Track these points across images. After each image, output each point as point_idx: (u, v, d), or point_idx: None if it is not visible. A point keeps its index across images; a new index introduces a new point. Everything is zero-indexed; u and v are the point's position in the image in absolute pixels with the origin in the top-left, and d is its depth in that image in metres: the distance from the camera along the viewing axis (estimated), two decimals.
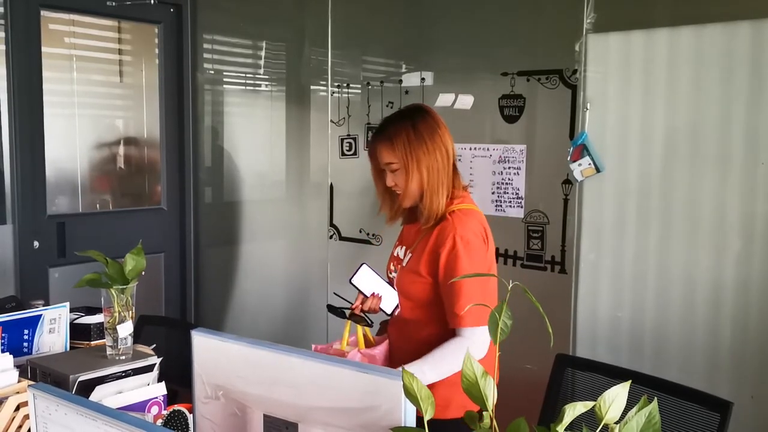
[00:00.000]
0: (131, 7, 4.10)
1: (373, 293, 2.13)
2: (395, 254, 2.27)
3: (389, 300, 2.14)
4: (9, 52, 3.68)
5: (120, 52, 4.47)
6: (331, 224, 3.85)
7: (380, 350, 2.13)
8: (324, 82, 3.84)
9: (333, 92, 3.77)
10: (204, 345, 1.62)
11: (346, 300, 2.19)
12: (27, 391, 1.48)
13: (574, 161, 2.86)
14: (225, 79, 4.53)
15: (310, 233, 3.99)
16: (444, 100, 3.33)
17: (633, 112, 2.79)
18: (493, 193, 3.17)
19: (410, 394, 1.18)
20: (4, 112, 3.76)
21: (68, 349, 2.13)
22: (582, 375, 2.24)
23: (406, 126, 2.13)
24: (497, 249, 3.20)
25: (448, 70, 3.37)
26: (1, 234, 3.77)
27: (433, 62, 3.42)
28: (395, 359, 2.12)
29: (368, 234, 3.70)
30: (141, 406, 1.74)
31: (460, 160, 3.26)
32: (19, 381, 1.56)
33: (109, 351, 1.87)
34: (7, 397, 1.48)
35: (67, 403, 1.15)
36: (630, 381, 1.12)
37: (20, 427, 1.45)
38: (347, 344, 2.14)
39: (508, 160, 3.11)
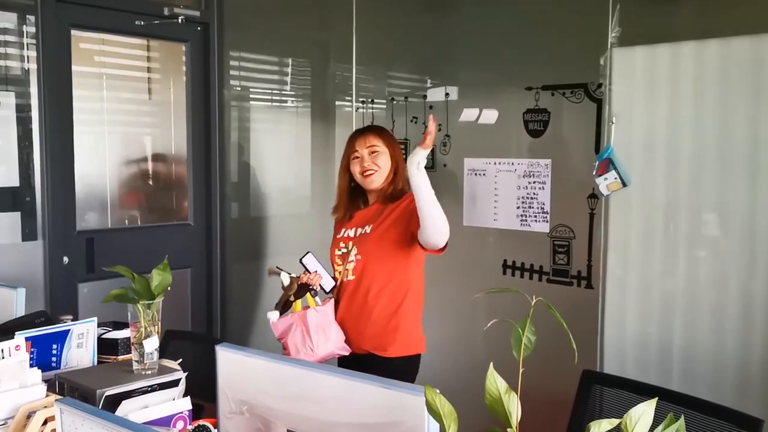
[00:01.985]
0: (159, 26, 4.16)
1: (316, 271, 2.74)
2: (344, 236, 2.76)
3: (327, 282, 2.75)
4: (40, 71, 3.76)
5: (148, 70, 4.54)
6: None
7: (329, 307, 2.70)
8: (349, 98, 3.86)
9: (358, 108, 3.79)
10: (229, 360, 1.63)
11: (287, 272, 2.78)
12: (54, 406, 1.50)
13: (600, 175, 2.84)
14: (251, 96, 4.57)
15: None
16: (468, 114, 3.33)
17: (659, 125, 2.76)
18: (518, 207, 3.16)
19: (433, 411, 1.18)
20: (36, 129, 3.83)
21: (96, 363, 2.15)
22: (609, 392, 2.21)
23: (384, 128, 2.82)
24: (522, 263, 3.19)
25: (472, 84, 3.37)
26: (31, 250, 3.83)
27: (457, 77, 3.43)
28: (347, 319, 2.66)
29: None
30: (166, 421, 1.74)
31: (484, 174, 3.27)
32: (47, 395, 1.58)
33: (135, 366, 1.88)
34: (35, 412, 1.49)
35: (93, 418, 1.16)
36: (656, 398, 1.10)
37: None
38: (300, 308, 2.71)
39: (533, 175, 3.10)
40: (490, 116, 3.27)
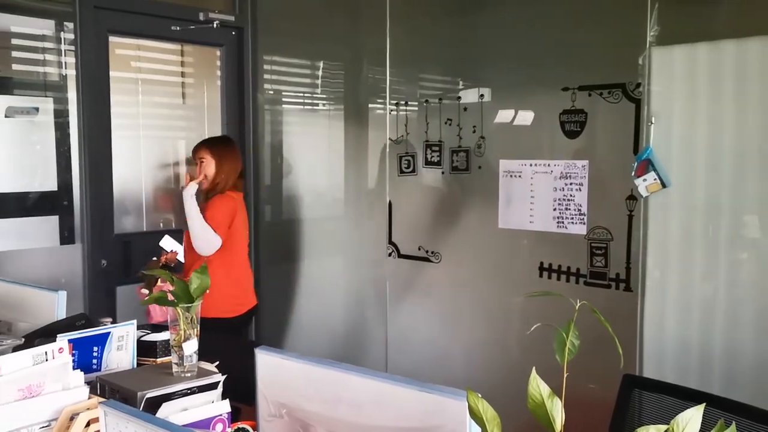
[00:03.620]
0: (194, 31, 4.20)
1: (172, 250, 3.53)
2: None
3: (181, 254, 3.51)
4: (78, 77, 3.82)
5: (182, 74, 4.59)
6: (390, 242, 3.85)
7: None
8: (382, 101, 3.86)
9: (391, 110, 3.79)
10: (268, 363, 1.63)
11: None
12: (97, 408, 1.51)
13: (639, 176, 2.80)
14: (284, 99, 4.60)
15: (368, 251, 4.00)
16: (503, 116, 3.31)
17: (700, 125, 2.71)
18: (554, 209, 3.12)
19: (475, 415, 1.16)
20: (74, 134, 3.89)
21: (135, 366, 2.17)
22: (650, 396, 2.17)
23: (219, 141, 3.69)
24: (559, 266, 3.16)
25: (507, 86, 3.35)
26: (71, 253, 3.89)
27: (491, 78, 3.41)
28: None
29: (427, 251, 3.68)
30: (206, 424, 1.75)
31: (520, 176, 3.24)
32: (89, 397, 1.60)
33: (175, 368, 1.89)
34: (78, 413, 1.51)
35: (137, 420, 1.17)
36: (704, 404, 1.08)
37: None
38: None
39: (570, 176, 3.07)
40: (525, 117, 3.25)
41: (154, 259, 3.48)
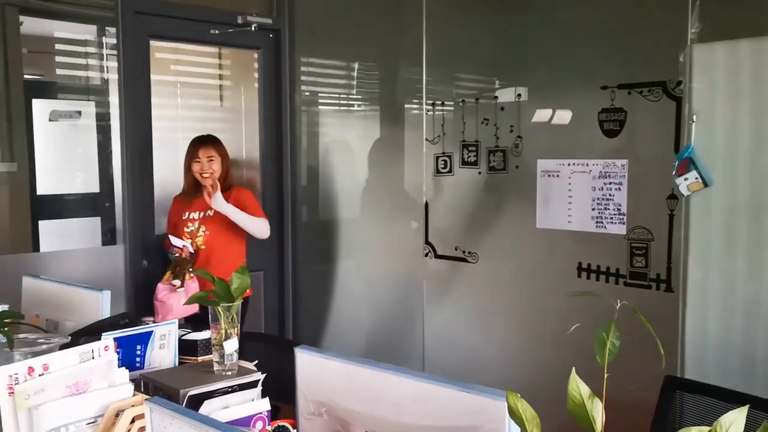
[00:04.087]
0: (232, 35, 4.25)
1: (183, 246, 3.63)
2: (188, 217, 3.76)
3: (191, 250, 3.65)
4: (120, 81, 3.89)
5: (220, 77, 4.65)
6: (427, 242, 3.85)
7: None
8: (418, 101, 3.87)
9: (427, 110, 3.79)
10: (307, 362, 1.65)
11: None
12: (142, 405, 1.54)
13: (680, 175, 2.76)
14: (321, 100, 4.62)
15: (405, 251, 4.00)
16: (541, 115, 3.29)
17: (742, 123, 2.66)
18: (593, 209, 3.09)
19: (515, 415, 1.16)
20: (116, 137, 3.97)
21: (177, 364, 2.20)
22: (692, 398, 2.15)
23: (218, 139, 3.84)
24: (597, 266, 3.13)
25: (545, 84, 3.33)
26: (114, 254, 3.96)
27: (528, 77, 3.39)
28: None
29: (464, 251, 3.68)
30: (246, 422, 1.78)
31: (557, 176, 3.22)
32: (133, 395, 1.63)
33: (216, 367, 1.92)
34: (123, 410, 1.54)
35: (181, 417, 1.19)
36: (747, 405, 1.06)
37: None
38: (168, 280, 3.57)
39: (609, 176, 3.04)
40: (563, 117, 3.22)
41: (176, 255, 3.62)
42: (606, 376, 1.16)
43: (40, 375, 1.50)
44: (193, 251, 3.66)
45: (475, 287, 3.65)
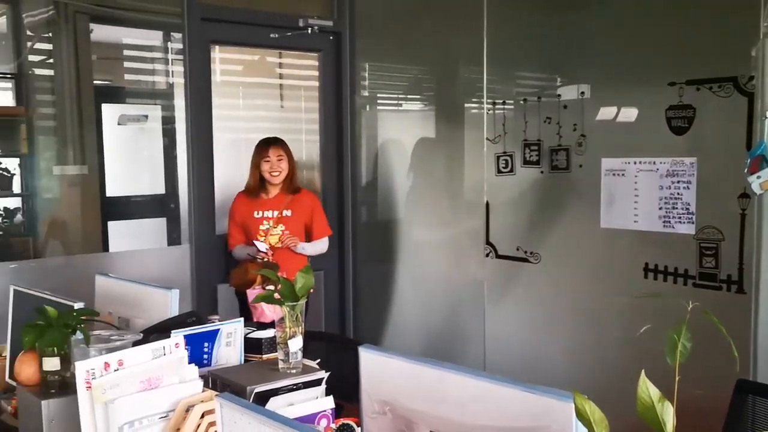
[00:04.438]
0: (293, 38, 4.31)
1: (267, 249, 3.76)
2: (262, 216, 3.87)
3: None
4: (187, 86, 3.98)
5: (280, 76, 4.71)
6: (488, 242, 3.83)
7: None
8: (476, 100, 3.85)
9: (488, 109, 3.76)
10: (371, 361, 1.66)
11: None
12: (211, 401, 1.58)
13: (752, 173, 2.67)
14: (380, 101, 4.64)
15: (465, 251, 3.99)
16: (605, 113, 3.23)
17: None
18: (660, 208, 3.02)
19: (582, 417, 1.15)
20: (181, 140, 4.06)
21: (242, 361, 2.24)
22: (764, 402, 2.08)
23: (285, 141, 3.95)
24: (665, 267, 3.06)
25: (609, 81, 3.27)
26: (178, 254, 4.06)
27: (592, 74, 3.33)
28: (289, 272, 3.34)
29: (526, 252, 3.64)
30: (311, 419, 1.80)
31: (623, 174, 3.16)
32: (202, 391, 1.67)
33: (281, 365, 1.95)
34: (193, 405, 1.58)
35: (251, 413, 1.22)
36: None
37: None
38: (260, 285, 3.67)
39: (677, 174, 2.96)
40: (629, 114, 3.16)
41: (263, 260, 3.73)
42: (677, 378, 1.14)
43: (115, 370, 1.55)
44: (270, 252, 3.78)
45: (538, 288, 3.61)
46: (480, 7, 3.71)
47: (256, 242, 3.78)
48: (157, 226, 4.44)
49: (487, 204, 3.81)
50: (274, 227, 3.84)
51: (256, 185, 3.89)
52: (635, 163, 3.11)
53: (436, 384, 1.51)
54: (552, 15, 3.55)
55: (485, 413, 1.42)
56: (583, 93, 3.33)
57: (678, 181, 2.96)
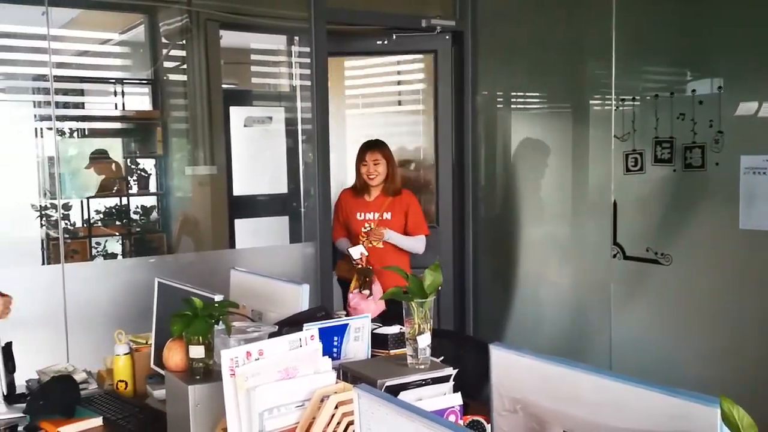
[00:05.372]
0: (409, 40, 4.35)
1: (361, 253, 3.84)
2: (364, 218, 3.99)
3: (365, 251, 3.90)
4: (314, 89, 4.09)
5: (398, 73, 4.76)
6: (615, 242, 3.72)
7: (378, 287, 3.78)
8: (602, 97, 3.76)
9: (617, 106, 3.66)
10: (502, 359, 1.66)
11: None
12: (345, 392, 1.63)
13: None
14: (500, 99, 4.61)
15: (590, 252, 3.89)
16: (745, 108, 3.07)
17: None
18: None
19: (731, 423, 1.11)
20: (303, 141, 4.19)
21: (369, 356, 2.29)
22: None
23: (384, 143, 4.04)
24: None
25: (748, 75, 3.11)
26: (300, 251, 4.19)
27: (729, 68, 3.18)
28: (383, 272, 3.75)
29: (656, 253, 3.51)
30: (439, 415, 1.81)
31: (764, 173, 2.99)
32: (336, 382, 1.73)
33: (409, 360, 1.98)
34: (328, 396, 1.63)
35: (388, 404, 1.25)
36: None
37: (339, 423, 1.60)
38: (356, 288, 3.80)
39: None
40: None
41: (358, 266, 3.83)
42: None
43: (256, 359, 1.63)
44: (367, 254, 3.86)
45: (669, 290, 3.48)
46: (608, 1, 3.62)
47: (350, 249, 3.89)
48: (280, 224, 4.59)
49: (615, 203, 3.70)
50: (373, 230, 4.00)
51: (361, 186, 4.03)
52: None
53: (569, 384, 1.49)
54: (685, 4, 3.41)
55: (622, 415, 1.39)
56: (720, 87, 3.18)
57: None
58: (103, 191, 4.59)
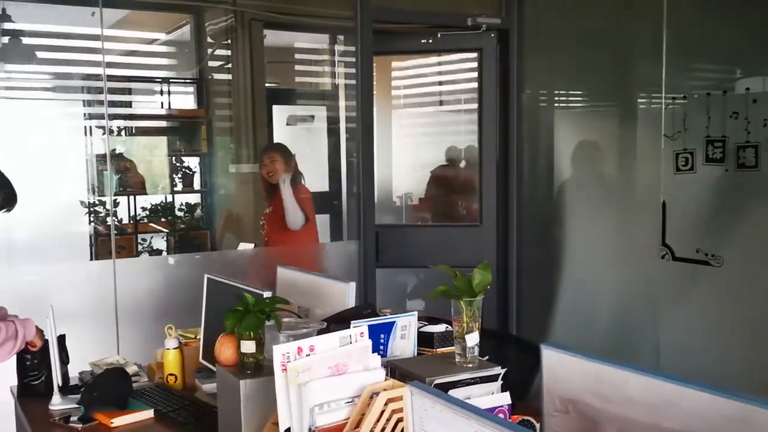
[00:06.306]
0: (454, 38, 4.33)
1: None
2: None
3: None
4: (359, 88, 4.08)
5: (440, 73, 4.75)
6: (664, 243, 3.66)
7: None
8: (649, 95, 3.71)
9: (667, 105, 3.60)
10: (553, 359, 1.65)
11: None
12: (394, 389, 1.63)
13: None
14: (545, 98, 4.56)
15: (638, 252, 3.84)
16: None
17: None
18: None
19: None
20: (345, 140, 4.20)
21: (416, 354, 2.29)
22: None
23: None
24: None
25: None
26: (342, 249, 4.21)
27: None
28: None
29: (707, 254, 3.45)
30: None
31: None
32: (385, 379, 1.73)
33: (457, 358, 1.97)
34: (378, 392, 1.64)
35: (441, 402, 1.24)
36: None
37: (388, 419, 1.60)
38: None
39: None
40: None
41: None
42: None
43: (307, 355, 1.64)
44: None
45: (720, 292, 3.41)
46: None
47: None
48: (322, 222, 4.61)
49: (664, 203, 3.64)
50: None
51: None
52: None
53: (622, 385, 1.48)
54: (736, 3, 3.34)
55: (678, 417, 1.37)
56: None
57: None
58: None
